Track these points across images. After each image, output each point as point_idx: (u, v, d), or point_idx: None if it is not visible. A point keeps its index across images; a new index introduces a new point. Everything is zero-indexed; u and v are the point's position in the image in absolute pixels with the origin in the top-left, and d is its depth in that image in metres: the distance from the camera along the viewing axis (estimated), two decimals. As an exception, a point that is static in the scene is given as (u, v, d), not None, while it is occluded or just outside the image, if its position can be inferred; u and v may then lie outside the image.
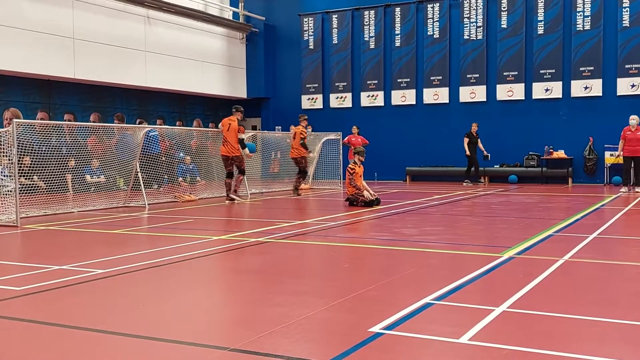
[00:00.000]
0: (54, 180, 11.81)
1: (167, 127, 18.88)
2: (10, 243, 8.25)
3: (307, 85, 23.03)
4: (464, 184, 18.69)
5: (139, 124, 17.45)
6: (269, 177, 18.42)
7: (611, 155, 17.90)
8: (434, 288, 4.99)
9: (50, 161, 11.64)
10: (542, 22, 19.51)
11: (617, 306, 4.56)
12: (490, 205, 12.66)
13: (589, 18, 18.88)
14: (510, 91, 19.96)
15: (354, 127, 18.69)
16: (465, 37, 20.58)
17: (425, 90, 21.20)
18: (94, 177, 14.75)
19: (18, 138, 10.19)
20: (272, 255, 6.96)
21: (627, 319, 4.15)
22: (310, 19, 22.96)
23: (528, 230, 8.43)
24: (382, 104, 21.84)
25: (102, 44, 17.80)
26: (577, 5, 19.04)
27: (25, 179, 11.48)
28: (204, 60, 21.69)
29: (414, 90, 21.37)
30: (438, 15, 21.02)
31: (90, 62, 17.43)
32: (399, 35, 21.62)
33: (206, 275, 6.01)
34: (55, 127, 12.77)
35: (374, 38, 21.97)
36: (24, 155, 11.31)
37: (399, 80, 21.56)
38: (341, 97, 22.51)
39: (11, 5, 15.62)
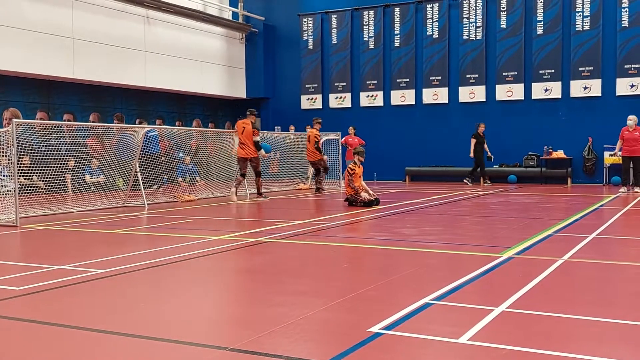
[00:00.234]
0: (54, 180, 11.81)
1: (167, 127, 18.88)
2: (9, 243, 8.25)
3: (306, 86, 23.04)
4: (465, 181, 18.66)
5: (139, 124, 17.43)
6: (268, 177, 18.40)
7: (610, 155, 17.91)
8: (433, 288, 5.00)
9: (50, 161, 11.63)
10: (542, 22, 19.52)
11: (616, 306, 4.57)
12: (490, 205, 12.66)
13: (588, 18, 18.89)
14: (509, 91, 19.97)
15: (350, 127, 18.68)
16: (465, 37, 20.59)
17: (424, 91, 21.21)
18: (94, 177, 14.75)
19: (17, 138, 10.19)
20: (271, 255, 6.96)
21: (626, 319, 4.15)
22: (310, 19, 22.96)
23: (527, 231, 8.43)
24: (382, 104, 21.85)
25: (102, 44, 17.81)
26: (577, 6, 19.05)
27: (25, 179, 11.47)
28: (204, 60, 21.69)
29: (413, 91, 21.39)
30: (437, 16, 21.03)
31: (89, 62, 17.43)
32: (399, 36, 21.63)
33: (205, 275, 6.01)
34: (55, 127, 12.77)
35: (373, 38, 21.97)
36: (23, 155, 11.30)
37: (398, 80, 21.57)
38: (340, 97, 22.52)
39: (11, 5, 15.62)
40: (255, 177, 14.23)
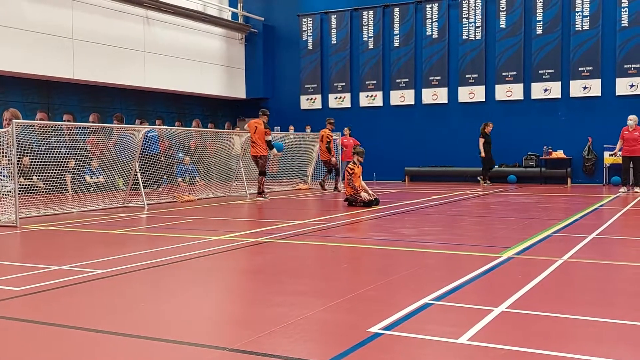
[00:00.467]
0: (53, 180, 11.81)
1: (166, 127, 18.87)
2: (9, 243, 8.25)
3: (305, 86, 23.04)
4: (483, 183, 18.28)
5: (140, 124, 17.43)
6: (268, 177, 18.37)
7: (610, 155, 17.91)
8: (432, 288, 5.00)
9: (50, 161, 11.63)
10: (541, 22, 19.53)
11: (615, 306, 4.57)
12: (489, 205, 12.67)
13: (588, 18, 18.90)
14: (509, 91, 19.98)
15: (346, 128, 18.59)
16: (464, 37, 20.59)
17: (424, 91, 21.21)
18: (93, 177, 14.74)
19: (17, 138, 10.19)
20: (271, 255, 6.97)
21: (625, 319, 4.15)
22: (309, 19, 22.96)
23: (527, 231, 8.43)
24: (381, 104, 21.85)
25: (101, 44, 17.81)
26: (576, 6, 19.05)
27: (25, 179, 11.47)
28: (203, 60, 21.70)
29: (412, 91, 21.39)
30: (437, 16, 21.04)
31: (89, 62, 17.44)
32: (398, 36, 21.63)
33: (205, 275, 6.01)
34: (55, 127, 12.77)
35: (372, 38, 21.98)
36: (23, 155, 11.29)
37: (397, 80, 21.57)
38: (340, 98, 22.52)
39: (10, 6, 15.62)
40: (258, 175, 14.34)
